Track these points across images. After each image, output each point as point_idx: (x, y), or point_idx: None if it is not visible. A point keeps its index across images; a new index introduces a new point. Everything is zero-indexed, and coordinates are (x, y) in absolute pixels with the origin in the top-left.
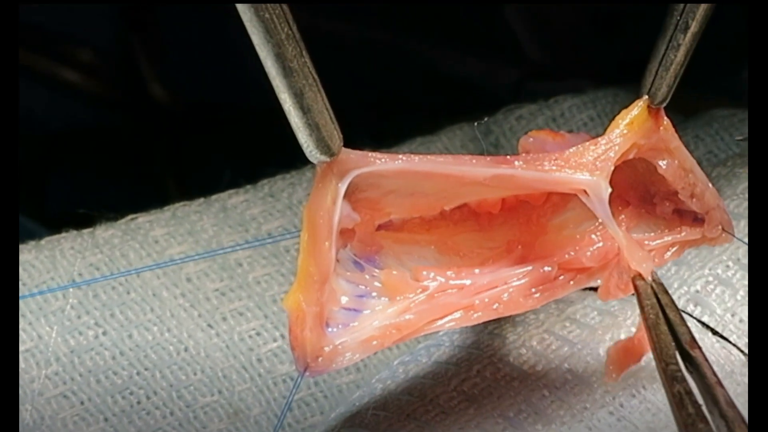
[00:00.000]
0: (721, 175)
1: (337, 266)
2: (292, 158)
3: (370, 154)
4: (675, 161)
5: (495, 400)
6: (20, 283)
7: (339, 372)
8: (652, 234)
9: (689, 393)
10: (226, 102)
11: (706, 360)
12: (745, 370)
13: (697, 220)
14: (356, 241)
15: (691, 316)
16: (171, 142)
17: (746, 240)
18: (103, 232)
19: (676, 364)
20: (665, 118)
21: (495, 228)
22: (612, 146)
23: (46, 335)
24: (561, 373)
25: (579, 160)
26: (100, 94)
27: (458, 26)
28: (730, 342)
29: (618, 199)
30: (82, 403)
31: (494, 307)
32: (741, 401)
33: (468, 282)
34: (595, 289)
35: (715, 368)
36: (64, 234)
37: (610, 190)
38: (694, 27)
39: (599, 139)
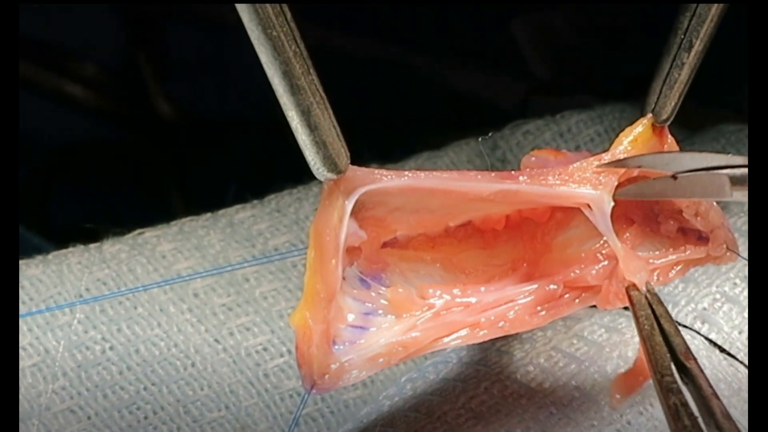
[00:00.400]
0: None
1: (344, 284)
2: (298, 173)
3: (376, 171)
4: None
5: (502, 417)
6: (27, 297)
7: (346, 388)
8: (657, 252)
9: (685, 405)
10: (231, 117)
11: (702, 371)
12: None
13: (701, 238)
14: (362, 259)
15: (698, 333)
16: (176, 156)
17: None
18: (110, 246)
19: (672, 375)
20: (669, 136)
21: (500, 246)
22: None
23: (53, 350)
24: (568, 391)
25: (582, 174)
26: (106, 109)
27: (465, 42)
28: (737, 359)
29: (622, 218)
30: (89, 418)
31: (500, 324)
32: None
33: (474, 300)
34: None
35: (723, 385)
36: (71, 249)
37: (612, 203)
38: (698, 46)
39: (603, 154)
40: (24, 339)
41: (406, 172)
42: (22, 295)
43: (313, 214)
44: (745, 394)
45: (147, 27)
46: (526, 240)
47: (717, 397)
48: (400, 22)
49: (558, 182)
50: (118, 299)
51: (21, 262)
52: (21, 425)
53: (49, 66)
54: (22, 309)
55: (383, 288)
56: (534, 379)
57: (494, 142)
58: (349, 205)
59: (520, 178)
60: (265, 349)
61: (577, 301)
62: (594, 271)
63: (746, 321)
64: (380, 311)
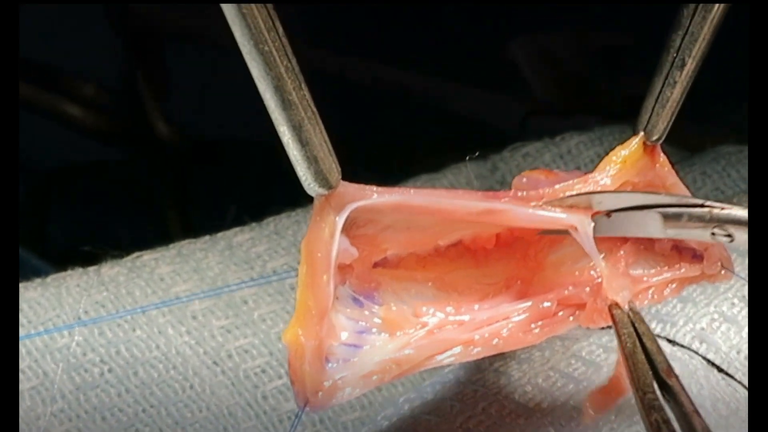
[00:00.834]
0: None
1: (337, 303)
2: (297, 195)
3: (367, 187)
4: None
5: None
6: (26, 320)
7: (344, 409)
8: (652, 271)
9: (666, 421)
10: (230, 139)
11: (683, 389)
12: None
13: (696, 256)
14: (354, 278)
15: (696, 353)
16: (174, 178)
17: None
18: (109, 269)
19: (654, 392)
20: (662, 155)
21: (492, 264)
22: (600, 184)
23: (52, 372)
24: (566, 411)
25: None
26: (105, 130)
27: (464, 63)
28: (735, 379)
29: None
30: None
31: (494, 342)
32: None
33: (467, 317)
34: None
35: (720, 405)
36: (69, 272)
37: (593, 224)
38: (690, 64)
39: (589, 175)
40: (23, 362)
41: (397, 189)
42: (21, 318)
43: None
44: (744, 414)
45: (146, 47)
46: (519, 258)
47: (698, 414)
48: (398, 43)
49: (540, 204)
50: (116, 322)
51: (20, 284)
52: None
53: (47, 86)
54: (21, 332)
55: (376, 306)
56: (532, 399)
57: (493, 164)
58: (340, 221)
59: (504, 199)
60: (263, 371)
61: (571, 318)
62: (588, 289)
63: (744, 341)
64: (374, 329)
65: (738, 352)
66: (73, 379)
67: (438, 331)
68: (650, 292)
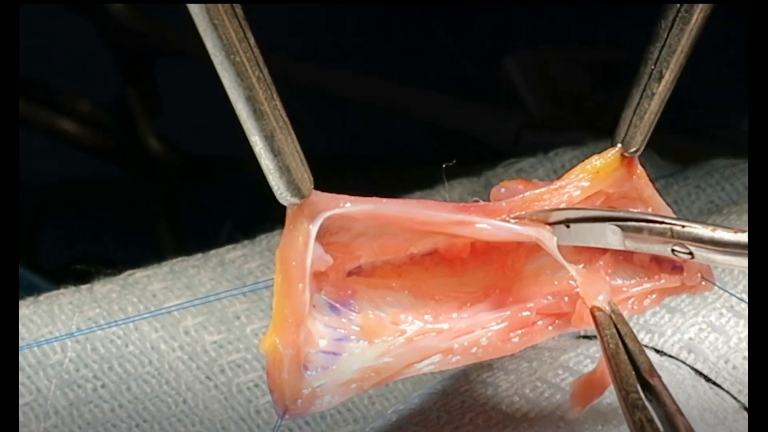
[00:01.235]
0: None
1: (314, 311)
2: None
3: (340, 196)
4: (648, 209)
5: None
6: (19, 337)
7: (337, 422)
8: (632, 281)
9: (650, 420)
10: (222, 156)
11: (666, 389)
12: (738, 417)
13: (676, 267)
14: (330, 286)
15: (684, 363)
16: (166, 194)
17: (727, 287)
18: (101, 287)
19: (637, 392)
20: (639, 167)
21: (469, 273)
22: (567, 196)
23: (45, 388)
24: (553, 421)
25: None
26: (98, 146)
27: (457, 78)
28: (723, 389)
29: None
30: None
31: (473, 351)
32: None
33: (446, 326)
34: (588, 336)
35: (708, 414)
36: (62, 290)
37: (554, 237)
38: (668, 76)
39: (558, 183)
40: None
41: (370, 199)
42: None
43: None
44: (731, 424)
45: (138, 65)
46: (497, 268)
47: (681, 414)
48: (391, 57)
49: (506, 217)
50: (109, 337)
51: None
52: None
53: (40, 102)
54: None
55: (354, 314)
56: (519, 410)
57: (487, 180)
58: (314, 229)
59: (472, 209)
60: (256, 386)
61: (550, 327)
62: (567, 299)
63: (732, 351)
64: (353, 337)
65: (726, 362)
66: (67, 395)
67: (417, 338)
68: (630, 302)
